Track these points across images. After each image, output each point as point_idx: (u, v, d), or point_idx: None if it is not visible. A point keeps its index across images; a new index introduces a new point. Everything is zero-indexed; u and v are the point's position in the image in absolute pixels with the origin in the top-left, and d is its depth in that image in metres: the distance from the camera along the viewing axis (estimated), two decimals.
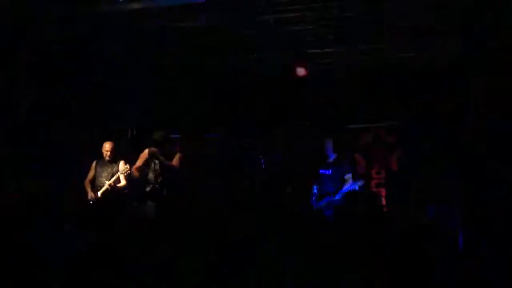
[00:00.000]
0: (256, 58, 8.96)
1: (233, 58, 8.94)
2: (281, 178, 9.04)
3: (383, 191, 9.45)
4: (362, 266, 4.35)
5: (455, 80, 8.26)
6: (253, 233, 5.01)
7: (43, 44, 7.81)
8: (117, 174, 7.75)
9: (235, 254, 4.57)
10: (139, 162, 7.69)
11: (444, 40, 8.09)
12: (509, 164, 6.92)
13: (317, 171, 7.84)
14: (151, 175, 7.64)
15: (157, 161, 7.58)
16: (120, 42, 8.16)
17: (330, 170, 7.75)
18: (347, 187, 7.50)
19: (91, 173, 7.95)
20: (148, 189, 7.60)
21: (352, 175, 7.67)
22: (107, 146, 7.86)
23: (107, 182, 7.74)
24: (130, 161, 7.82)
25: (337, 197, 7.48)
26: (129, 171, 7.74)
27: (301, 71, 8.96)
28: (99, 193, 7.73)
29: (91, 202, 7.70)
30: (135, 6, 7.16)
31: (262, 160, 8.97)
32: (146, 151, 7.68)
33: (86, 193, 7.83)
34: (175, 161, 7.66)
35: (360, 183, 7.66)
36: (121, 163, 7.85)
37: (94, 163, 7.96)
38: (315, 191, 7.84)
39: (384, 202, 9.22)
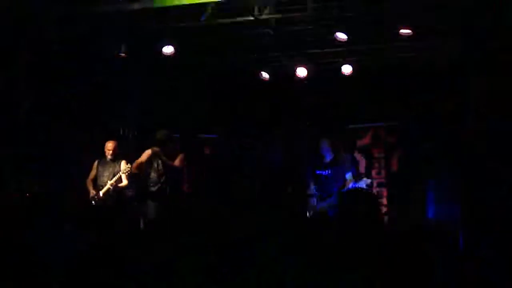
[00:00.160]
0: (256, 58, 8.97)
1: (233, 58, 8.95)
2: (281, 178, 9.05)
3: (384, 191, 9.47)
4: (362, 266, 4.33)
5: (455, 80, 8.26)
6: (253, 233, 5.00)
7: (43, 44, 7.80)
8: (118, 174, 7.75)
9: (235, 254, 4.56)
10: (141, 159, 7.67)
11: (444, 40, 8.09)
12: (509, 164, 6.92)
13: (315, 172, 7.83)
14: (153, 175, 7.64)
15: (159, 161, 7.58)
16: (120, 42, 8.15)
17: (329, 170, 7.72)
18: (355, 185, 7.47)
19: (92, 172, 7.94)
20: (152, 189, 7.61)
21: (353, 173, 7.67)
22: (109, 145, 7.85)
23: (109, 182, 7.73)
24: (132, 161, 7.82)
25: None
26: (130, 171, 7.74)
27: (301, 72, 8.96)
28: (101, 193, 7.73)
29: (93, 202, 7.69)
30: (135, 6, 7.16)
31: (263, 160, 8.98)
32: (149, 150, 7.67)
33: (87, 192, 7.83)
34: (178, 161, 7.66)
35: (369, 181, 7.66)
36: (123, 163, 7.85)
37: (95, 163, 7.95)
38: (314, 191, 7.82)
39: (385, 202, 9.23)
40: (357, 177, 7.85)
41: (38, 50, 7.89)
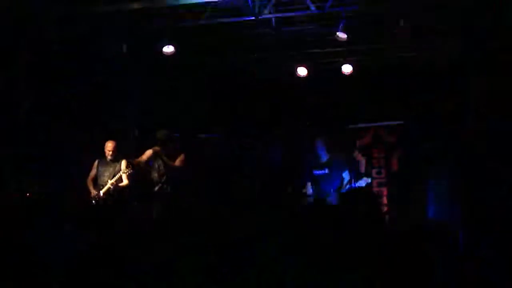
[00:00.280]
0: (256, 58, 8.97)
1: (233, 58, 8.95)
2: (281, 178, 9.05)
3: (384, 191, 9.47)
4: (362, 266, 4.33)
5: (455, 80, 8.26)
6: (253, 233, 5.00)
7: (43, 44, 7.80)
8: (119, 174, 7.74)
9: (235, 254, 4.56)
10: (141, 158, 7.67)
11: (444, 40, 8.09)
12: (509, 164, 6.92)
13: (311, 172, 7.81)
14: (154, 175, 7.64)
15: (160, 161, 7.57)
16: (120, 42, 8.15)
17: (325, 170, 7.70)
18: (354, 185, 7.45)
19: (93, 172, 7.93)
20: (153, 189, 7.61)
21: (350, 172, 7.65)
22: (109, 146, 7.84)
23: (110, 182, 7.73)
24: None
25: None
26: (131, 170, 7.74)
27: (302, 71, 8.97)
28: (101, 192, 7.73)
29: (93, 201, 7.69)
30: (135, 6, 7.16)
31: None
32: (150, 150, 7.66)
33: (88, 192, 7.82)
34: (179, 161, 7.65)
35: (369, 180, 7.65)
36: (123, 162, 7.83)
37: (96, 162, 7.94)
38: (311, 191, 7.80)
39: (385, 201, 9.24)
40: (357, 177, 7.84)
41: (38, 50, 7.89)
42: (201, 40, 8.36)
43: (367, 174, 9.39)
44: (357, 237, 4.90)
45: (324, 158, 7.77)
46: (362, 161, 9.75)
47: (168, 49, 8.09)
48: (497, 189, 6.90)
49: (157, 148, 7.61)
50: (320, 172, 7.71)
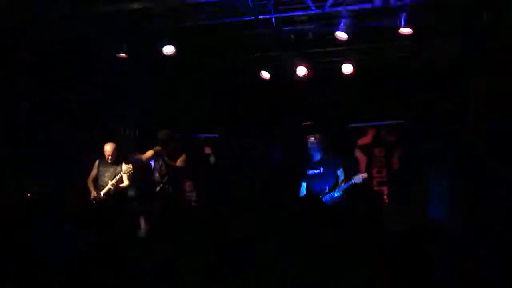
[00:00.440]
0: (256, 57, 8.96)
1: (233, 58, 8.94)
2: (281, 178, 9.04)
3: (384, 190, 9.48)
4: (362, 266, 4.33)
5: (455, 80, 8.26)
6: (253, 233, 5.00)
7: (43, 44, 7.80)
8: (119, 174, 7.75)
9: (235, 254, 4.56)
10: (143, 157, 7.67)
11: (444, 40, 8.09)
12: (509, 164, 6.91)
13: (306, 171, 7.78)
14: (156, 175, 7.65)
15: (162, 161, 7.58)
16: (120, 42, 8.15)
17: (320, 169, 7.67)
18: (352, 181, 7.41)
19: (93, 172, 7.94)
20: (156, 188, 7.62)
21: (345, 170, 7.62)
22: (108, 149, 7.83)
23: (110, 182, 7.74)
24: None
25: (336, 194, 7.42)
26: (132, 171, 7.75)
27: (301, 71, 8.96)
28: (102, 193, 7.73)
29: (94, 202, 7.69)
30: (136, 5, 7.16)
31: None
32: (152, 151, 7.66)
33: (88, 192, 7.83)
34: (180, 161, 7.65)
35: (365, 175, 7.60)
36: (124, 163, 7.85)
37: (97, 162, 7.95)
38: (304, 192, 7.76)
39: (386, 200, 9.23)
40: (353, 173, 7.78)
41: (38, 50, 7.89)
42: (201, 40, 8.35)
43: (368, 174, 9.39)
44: (357, 237, 4.90)
45: (318, 157, 7.72)
46: (363, 160, 9.76)
47: (168, 49, 8.07)
48: (497, 189, 6.90)
49: (158, 148, 7.61)
50: (315, 171, 7.67)
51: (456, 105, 8.30)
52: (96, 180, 7.90)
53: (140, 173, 8.07)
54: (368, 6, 7.04)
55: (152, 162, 7.77)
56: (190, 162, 7.97)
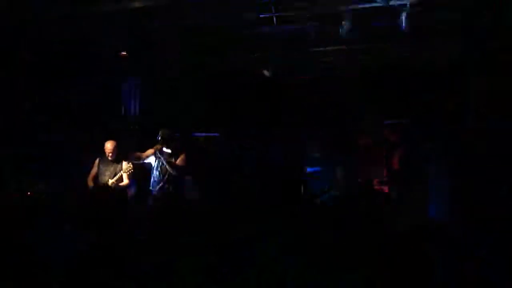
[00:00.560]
0: (256, 57, 8.96)
1: (233, 58, 8.94)
2: (281, 178, 9.05)
3: (385, 189, 9.48)
4: (362, 266, 4.34)
5: (455, 80, 8.26)
6: (253, 233, 5.00)
7: (43, 44, 7.80)
8: (120, 173, 7.76)
9: (235, 254, 4.56)
10: (143, 155, 7.67)
11: (444, 40, 8.09)
12: (509, 164, 6.91)
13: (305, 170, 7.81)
14: (156, 174, 7.65)
15: (162, 160, 7.58)
16: (120, 41, 8.15)
17: (318, 168, 7.69)
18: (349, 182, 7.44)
19: (94, 170, 7.94)
20: (157, 187, 7.61)
21: (344, 170, 7.64)
22: (108, 147, 7.84)
23: (110, 181, 7.74)
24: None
25: (335, 193, 7.45)
26: (132, 170, 7.75)
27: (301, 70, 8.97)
28: None
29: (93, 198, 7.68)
30: (137, 4, 7.15)
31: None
32: (152, 149, 7.67)
33: (88, 190, 7.83)
34: (180, 160, 7.66)
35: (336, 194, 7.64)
36: (124, 162, 7.85)
37: (97, 160, 7.95)
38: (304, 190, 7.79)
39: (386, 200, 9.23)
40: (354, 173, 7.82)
41: (38, 50, 7.88)
42: (201, 40, 8.35)
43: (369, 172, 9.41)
44: (357, 237, 4.90)
45: (316, 156, 7.75)
46: (364, 158, 9.77)
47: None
48: (497, 189, 6.90)
49: (159, 147, 7.61)
50: (313, 170, 7.71)
51: (456, 105, 8.31)
52: (96, 178, 7.90)
53: (140, 172, 8.07)
54: None
55: (152, 161, 7.77)
56: (191, 161, 7.97)
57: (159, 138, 7.63)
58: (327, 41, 8.40)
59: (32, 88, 8.08)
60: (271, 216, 5.74)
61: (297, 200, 8.17)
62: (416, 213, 7.97)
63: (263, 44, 8.51)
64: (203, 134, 10.10)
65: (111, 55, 8.17)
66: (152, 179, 7.70)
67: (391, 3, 6.90)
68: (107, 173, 7.81)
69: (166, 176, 7.60)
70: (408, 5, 6.94)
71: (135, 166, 7.80)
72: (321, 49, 8.71)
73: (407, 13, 7.07)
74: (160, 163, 7.61)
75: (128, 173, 7.76)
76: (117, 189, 7.73)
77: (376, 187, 9.33)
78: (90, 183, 7.88)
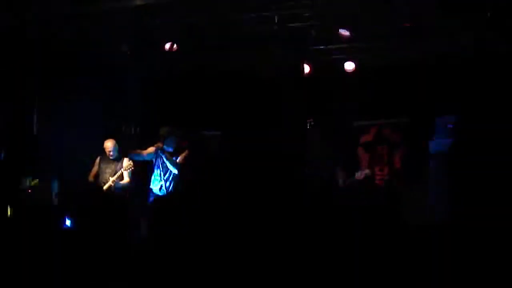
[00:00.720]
0: (257, 57, 8.93)
1: (235, 56, 8.92)
2: (281, 177, 9.02)
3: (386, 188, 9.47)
4: (362, 265, 4.33)
5: (455, 79, 8.25)
6: (253, 232, 5.00)
7: (44, 42, 7.80)
8: (120, 171, 7.77)
9: (235, 253, 4.56)
10: (145, 151, 7.67)
11: (444, 40, 8.08)
12: (509, 163, 6.90)
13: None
14: (157, 172, 7.66)
15: (163, 158, 7.58)
16: (122, 39, 8.16)
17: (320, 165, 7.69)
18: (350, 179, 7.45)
19: (94, 169, 7.96)
20: (157, 186, 7.62)
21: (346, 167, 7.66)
22: (108, 145, 7.85)
23: (111, 179, 7.75)
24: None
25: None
26: (132, 168, 7.76)
27: (305, 69, 8.96)
28: (103, 189, 7.75)
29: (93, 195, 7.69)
30: (138, 2, 7.15)
31: None
32: (153, 147, 7.67)
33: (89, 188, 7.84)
34: (181, 158, 7.66)
35: (368, 172, 7.62)
36: (125, 160, 7.86)
37: (98, 159, 7.97)
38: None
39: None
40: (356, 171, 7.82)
41: (39, 49, 7.89)
42: (201, 39, 8.34)
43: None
44: (358, 235, 4.89)
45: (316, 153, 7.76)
46: (365, 158, 9.75)
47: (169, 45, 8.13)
48: (496, 188, 6.89)
49: (160, 144, 7.61)
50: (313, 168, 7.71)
51: (455, 104, 8.29)
52: (97, 177, 7.92)
53: (141, 170, 8.07)
54: None
55: (153, 159, 7.77)
56: (192, 159, 7.97)
57: (160, 136, 7.64)
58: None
59: (32, 88, 8.09)
60: (271, 215, 5.75)
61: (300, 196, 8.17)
62: (416, 212, 7.96)
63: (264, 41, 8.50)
64: (205, 132, 10.08)
65: (113, 53, 8.17)
66: (152, 177, 7.71)
67: None
68: (108, 171, 7.82)
69: (167, 175, 7.60)
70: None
71: (135, 164, 7.81)
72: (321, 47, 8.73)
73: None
74: (161, 161, 7.62)
75: (128, 171, 7.78)
76: (117, 187, 7.75)
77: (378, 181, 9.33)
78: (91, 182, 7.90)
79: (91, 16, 7.40)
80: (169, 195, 7.50)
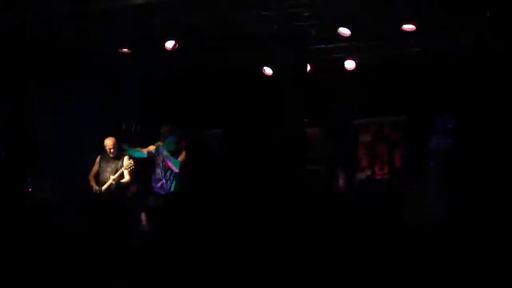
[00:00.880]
0: (258, 55, 8.93)
1: (235, 55, 8.92)
2: (281, 176, 9.02)
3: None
4: (362, 264, 4.36)
5: (455, 79, 8.25)
6: (253, 231, 5.02)
7: (44, 41, 7.80)
8: (121, 170, 7.78)
9: (235, 252, 4.58)
10: (146, 149, 7.68)
11: (444, 40, 8.08)
12: (509, 163, 6.91)
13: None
14: (157, 171, 7.66)
15: (164, 156, 7.59)
16: (122, 38, 8.15)
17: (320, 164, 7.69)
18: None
19: (95, 167, 7.97)
20: (158, 184, 7.62)
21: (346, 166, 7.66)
22: (108, 143, 7.87)
23: (111, 177, 7.76)
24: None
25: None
26: (133, 167, 7.77)
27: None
28: (103, 188, 7.76)
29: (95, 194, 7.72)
30: (138, 1, 7.15)
31: None
32: (153, 146, 7.68)
33: (90, 187, 7.85)
34: (182, 157, 7.66)
35: (369, 172, 7.62)
36: (125, 159, 7.87)
37: (98, 158, 7.98)
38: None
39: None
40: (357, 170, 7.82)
41: (39, 49, 7.89)
42: (201, 38, 8.34)
43: (370, 170, 9.40)
44: (358, 235, 4.92)
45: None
46: (365, 156, 9.75)
47: (169, 44, 8.13)
48: (496, 188, 6.89)
49: (160, 143, 7.62)
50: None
51: (456, 104, 8.29)
52: (97, 175, 7.93)
53: (141, 169, 8.08)
54: None
55: (153, 158, 7.77)
56: (192, 158, 7.96)
57: (160, 134, 7.64)
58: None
59: (32, 87, 8.09)
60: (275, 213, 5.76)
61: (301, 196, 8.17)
62: (417, 212, 7.97)
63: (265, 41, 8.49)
64: (205, 131, 10.08)
65: (113, 52, 8.17)
66: (153, 176, 7.71)
67: None
68: (109, 169, 7.84)
69: (167, 173, 7.60)
70: None
71: (136, 163, 7.82)
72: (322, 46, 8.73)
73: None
74: (161, 160, 7.62)
75: (129, 169, 7.79)
76: (118, 185, 7.76)
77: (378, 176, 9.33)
78: (92, 181, 7.90)
79: (91, 16, 7.39)
80: (169, 195, 7.51)
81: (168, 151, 7.57)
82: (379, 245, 4.97)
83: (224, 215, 6.86)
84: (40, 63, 7.96)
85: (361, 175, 7.61)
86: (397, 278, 4.42)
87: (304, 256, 4.67)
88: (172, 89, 9.42)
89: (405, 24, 7.78)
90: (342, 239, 5.11)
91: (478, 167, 7.19)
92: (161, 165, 7.64)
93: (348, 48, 8.81)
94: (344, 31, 7.88)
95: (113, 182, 7.72)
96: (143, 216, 7.71)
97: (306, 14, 7.88)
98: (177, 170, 7.58)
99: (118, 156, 7.89)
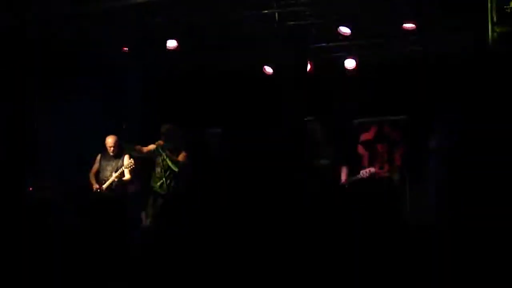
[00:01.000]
0: (258, 54, 8.93)
1: (235, 55, 8.92)
2: (281, 176, 9.03)
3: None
4: (362, 264, 4.37)
5: (455, 78, 8.24)
6: (253, 231, 5.02)
7: (44, 41, 7.80)
8: (121, 168, 7.78)
9: (236, 253, 4.59)
10: (144, 150, 7.68)
11: (445, 39, 8.08)
12: (509, 163, 6.90)
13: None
14: (158, 170, 7.67)
15: (164, 156, 7.59)
16: (122, 38, 8.15)
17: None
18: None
19: (95, 166, 7.98)
20: (156, 184, 7.63)
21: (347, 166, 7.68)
22: (109, 141, 7.87)
23: (112, 176, 7.76)
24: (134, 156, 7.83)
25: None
26: (133, 166, 7.77)
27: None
28: (103, 187, 7.76)
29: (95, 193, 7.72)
30: (138, 1, 7.15)
31: None
32: (153, 145, 7.68)
33: (90, 186, 7.86)
34: (182, 156, 7.67)
35: (373, 170, 7.63)
36: (126, 157, 7.87)
37: (99, 156, 7.98)
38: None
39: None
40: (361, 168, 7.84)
41: (39, 49, 7.89)
42: (201, 38, 8.35)
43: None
44: (359, 234, 4.92)
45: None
46: (365, 155, 9.74)
47: (171, 43, 8.14)
48: (496, 188, 6.89)
49: (160, 142, 7.62)
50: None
51: (456, 103, 8.28)
52: (98, 174, 7.93)
53: (142, 168, 8.08)
54: None
55: (154, 157, 7.78)
56: (192, 158, 7.97)
57: (161, 134, 7.64)
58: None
59: (32, 87, 8.09)
60: (271, 214, 5.76)
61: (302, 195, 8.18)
62: (417, 211, 7.98)
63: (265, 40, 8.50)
64: (205, 131, 10.07)
65: (113, 52, 8.17)
66: (153, 175, 7.71)
67: None
68: (109, 168, 7.84)
69: (168, 172, 7.61)
70: None
71: (136, 162, 7.82)
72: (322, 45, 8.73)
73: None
74: (162, 159, 7.62)
75: (129, 168, 7.79)
76: (118, 184, 7.76)
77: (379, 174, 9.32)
78: (92, 179, 7.91)
79: (91, 16, 7.39)
80: (169, 194, 7.52)
81: (168, 151, 7.57)
82: (379, 244, 4.97)
83: (224, 215, 6.87)
84: (40, 63, 7.95)
85: (361, 174, 7.60)
86: (397, 278, 4.43)
87: (304, 256, 4.67)
88: (172, 89, 9.41)
89: (405, 23, 7.80)
90: (342, 239, 5.11)
91: (478, 167, 7.18)
92: (161, 165, 7.64)
93: (348, 47, 8.81)
94: (345, 30, 7.89)
95: (116, 180, 7.72)
96: (143, 215, 7.72)
97: (307, 13, 7.89)
98: (176, 169, 7.59)
99: (119, 155, 7.89)
